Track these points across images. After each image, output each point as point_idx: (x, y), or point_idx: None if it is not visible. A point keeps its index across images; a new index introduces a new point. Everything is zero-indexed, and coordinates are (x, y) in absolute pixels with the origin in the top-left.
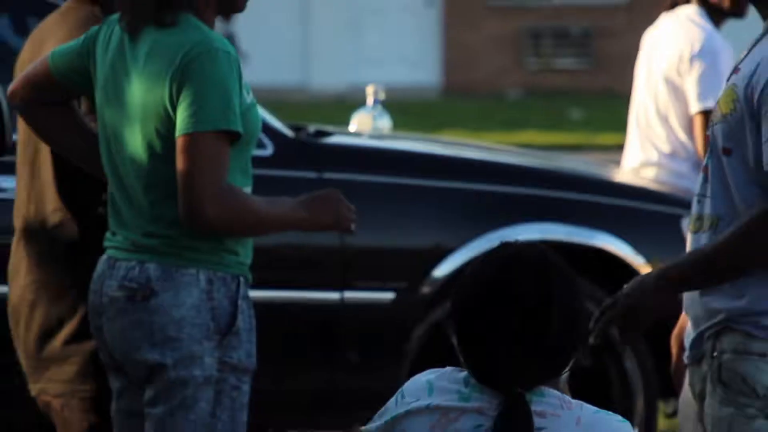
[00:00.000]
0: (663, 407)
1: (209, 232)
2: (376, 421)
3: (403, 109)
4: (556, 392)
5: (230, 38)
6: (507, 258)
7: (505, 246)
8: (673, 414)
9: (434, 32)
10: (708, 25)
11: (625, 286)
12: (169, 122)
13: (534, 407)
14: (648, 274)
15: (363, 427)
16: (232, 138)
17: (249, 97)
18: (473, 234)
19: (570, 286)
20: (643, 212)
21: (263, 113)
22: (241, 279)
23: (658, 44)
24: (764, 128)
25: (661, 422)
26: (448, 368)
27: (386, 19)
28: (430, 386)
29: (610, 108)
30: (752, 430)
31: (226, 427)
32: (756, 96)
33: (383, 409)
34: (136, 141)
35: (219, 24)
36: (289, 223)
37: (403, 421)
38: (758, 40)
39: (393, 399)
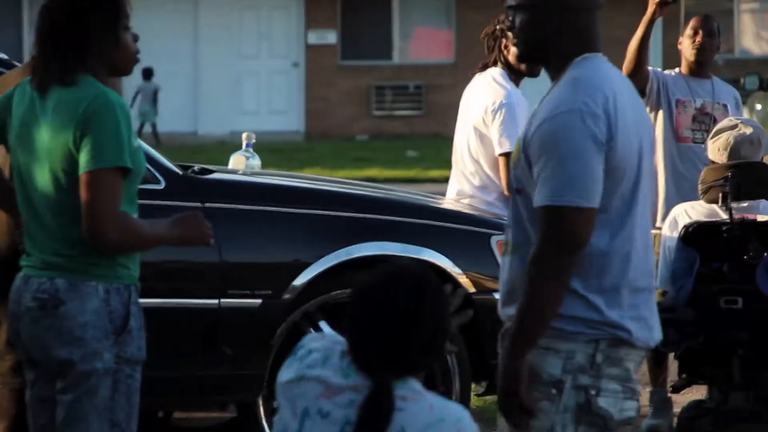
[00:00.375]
0: (475, 388)
1: (108, 250)
2: (290, 366)
3: (274, 150)
4: (416, 382)
5: (156, 92)
6: (393, 270)
7: (393, 262)
8: (483, 394)
9: (299, 88)
10: (508, 84)
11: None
12: (73, 161)
13: (397, 392)
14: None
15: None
16: (125, 173)
17: (135, 142)
18: (326, 251)
19: (440, 300)
20: (459, 232)
21: (159, 155)
22: (132, 288)
23: (471, 99)
24: (535, 173)
25: (474, 400)
26: (342, 342)
27: (261, 79)
28: (324, 358)
29: (438, 148)
30: (538, 410)
31: (123, 408)
32: (529, 148)
33: (296, 350)
34: (45, 177)
35: (145, 83)
36: (166, 240)
37: (301, 383)
38: (543, 99)
39: (302, 351)
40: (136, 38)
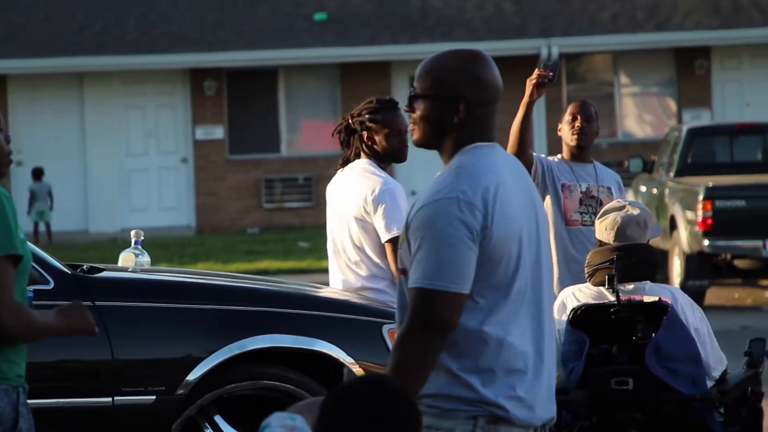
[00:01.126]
0: None
1: (3, 338)
2: None
3: (165, 246)
4: None
5: (50, 191)
6: (371, 379)
7: (371, 373)
8: None
9: (188, 184)
10: (381, 172)
11: None
12: None
13: None
14: None
15: None
16: (16, 262)
17: (21, 235)
18: (218, 345)
19: (414, 412)
20: (351, 322)
21: (47, 255)
22: (20, 389)
23: (344, 192)
24: (411, 254)
25: None
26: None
27: (150, 176)
28: None
29: None
30: None
31: None
32: (409, 230)
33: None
34: None
35: (36, 183)
36: (55, 330)
37: None
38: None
39: None
40: (8, 139)
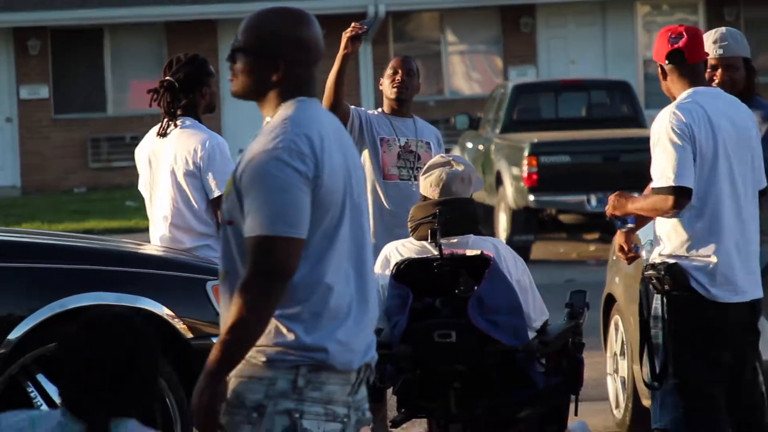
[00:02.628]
0: None
1: None
2: None
3: None
4: (135, 422)
5: None
6: (100, 318)
7: (102, 310)
8: None
9: (13, 144)
10: (205, 128)
11: None
12: None
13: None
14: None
15: None
16: None
17: None
18: (40, 304)
19: (148, 344)
20: (175, 279)
21: None
22: None
23: (165, 152)
24: (246, 205)
25: None
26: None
27: None
28: (31, 421)
29: None
30: None
31: None
32: (240, 182)
33: None
34: None
35: None
36: None
37: None
38: (255, 136)
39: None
40: None
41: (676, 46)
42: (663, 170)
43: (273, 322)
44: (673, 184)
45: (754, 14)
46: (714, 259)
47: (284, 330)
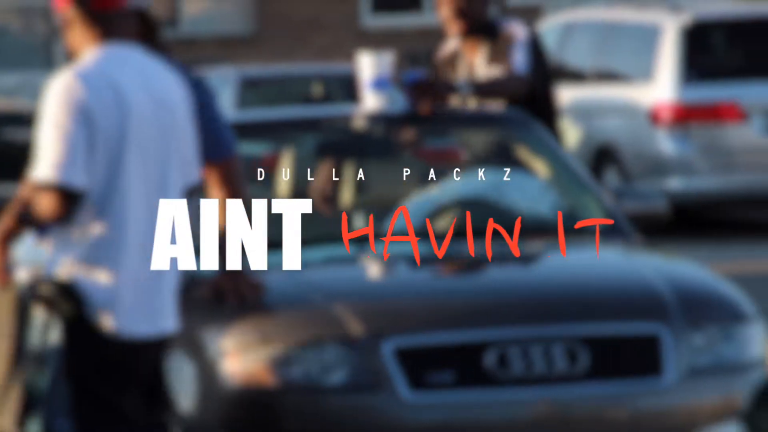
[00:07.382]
0: None
1: None
2: None
3: None
4: None
5: None
6: None
7: None
8: None
9: None
10: None
11: None
12: None
13: None
14: None
15: None
16: None
17: None
18: None
19: None
20: None
21: None
22: None
23: None
24: None
25: None
26: None
27: None
28: None
29: None
30: None
31: None
32: None
33: None
34: None
35: None
36: None
37: None
38: None
39: None
40: None
41: None
42: (49, 158)
43: None
44: (58, 180)
45: None
46: (117, 278)
47: None
